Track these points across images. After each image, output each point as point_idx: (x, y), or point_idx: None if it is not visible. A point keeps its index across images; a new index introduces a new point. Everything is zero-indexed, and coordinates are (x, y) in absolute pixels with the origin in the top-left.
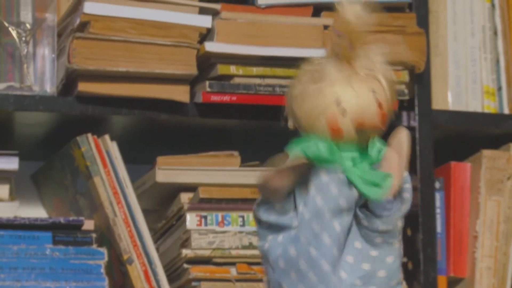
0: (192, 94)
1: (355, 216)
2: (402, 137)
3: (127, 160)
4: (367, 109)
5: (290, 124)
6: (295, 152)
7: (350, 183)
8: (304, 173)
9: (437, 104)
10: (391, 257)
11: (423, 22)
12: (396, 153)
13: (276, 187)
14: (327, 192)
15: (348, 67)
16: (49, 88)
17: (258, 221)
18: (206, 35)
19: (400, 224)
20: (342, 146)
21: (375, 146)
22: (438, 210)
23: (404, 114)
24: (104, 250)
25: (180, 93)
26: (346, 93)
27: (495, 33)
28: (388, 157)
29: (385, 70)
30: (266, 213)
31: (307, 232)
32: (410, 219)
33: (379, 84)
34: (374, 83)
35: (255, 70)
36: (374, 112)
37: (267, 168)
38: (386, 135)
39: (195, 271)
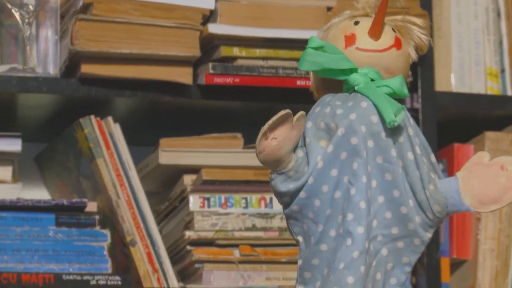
0: (195, 76)
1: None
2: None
3: (130, 142)
4: (380, 22)
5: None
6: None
7: (379, 120)
8: (301, 127)
9: (440, 86)
10: (419, 240)
11: (427, 4)
12: (508, 184)
13: (272, 151)
14: (359, 132)
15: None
16: (52, 70)
17: (279, 194)
18: (209, 17)
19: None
20: (357, 64)
21: (398, 78)
22: None
23: (408, 96)
24: (107, 232)
25: (183, 75)
26: (362, 18)
27: (499, 15)
28: (498, 181)
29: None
30: (284, 184)
31: (348, 171)
32: None
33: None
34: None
35: (258, 52)
36: (388, 30)
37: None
38: None
39: (198, 253)
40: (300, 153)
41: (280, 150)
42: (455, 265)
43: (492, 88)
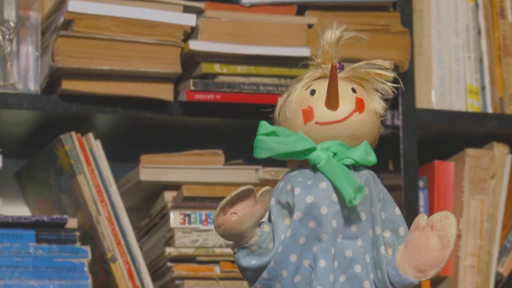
0: (176, 93)
1: (374, 255)
2: (450, 228)
3: (111, 158)
4: (334, 93)
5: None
6: (263, 152)
7: (340, 198)
8: (266, 202)
9: (421, 103)
10: None
11: (407, 21)
12: (440, 244)
13: (231, 226)
14: (318, 215)
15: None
16: (33, 86)
17: (242, 269)
18: (190, 33)
19: None
20: (319, 138)
21: (363, 145)
22: (421, 209)
23: (388, 113)
24: (87, 248)
25: (164, 92)
26: (318, 82)
27: (479, 32)
28: (430, 244)
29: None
30: (246, 259)
31: (309, 256)
32: None
33: (355, 83)
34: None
35: (239, 68)
36: (347, 93)
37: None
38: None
39: (179, 270)
40: (266, 228)
41: (240, 225)
42: (436, 281)
43: (472, 105)
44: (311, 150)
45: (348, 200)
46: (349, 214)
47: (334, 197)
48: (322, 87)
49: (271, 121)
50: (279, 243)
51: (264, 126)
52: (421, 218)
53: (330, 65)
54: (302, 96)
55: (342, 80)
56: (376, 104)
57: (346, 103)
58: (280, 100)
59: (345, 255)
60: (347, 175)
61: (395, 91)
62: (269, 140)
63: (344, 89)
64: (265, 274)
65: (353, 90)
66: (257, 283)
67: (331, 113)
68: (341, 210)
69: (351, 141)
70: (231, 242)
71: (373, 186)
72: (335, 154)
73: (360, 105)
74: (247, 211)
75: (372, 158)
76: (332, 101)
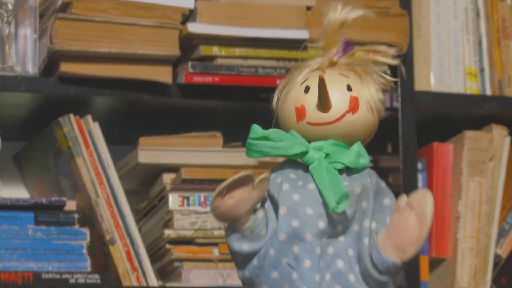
0: (175, 75)
1: (358, 247)
2: (426, 205)
3: (109, 141)
4: (326, 97)
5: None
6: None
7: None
8: (264, 189)
9: (420, 85)
10: None
11: (406, 3)
12: (418, 222)
13: (228, 210)
14: (302, 214)
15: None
16: (31, 68)
17: (232, 252)
18: (189, 16)
19: (398, 279)
20: (311, 136)
21: (355, 147)
22: None
23: (387, 96)
24: (86, 230)
25: (163, 74)
26: (314, 75)
27: (478, 14)
28: (408, 223)
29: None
30: (238, 243)
31: (289, 254)
32: None
33: (354, 74)
34: (348, 73)
35: (237, 51)
36: (341, 92)
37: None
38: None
39: (178, 252)
40: (260, 214)
41: (236, 209)
42: (434, 263)
43: (471, 87)
44: (304, 153)
45: (330, 209)
46: (336, 215)
47: (321, 199)
48: (317, 84)
49: (270, 105)
50: (272, 231)
51: (255, 131)
52: (401, 200)
53: (333, 50)
54: (297, 93)
55: (338, 75)
56: (372, 97)
57: (339, 103)
58: (278, 88)
59: (327, 253)
60: (335, 181)
61: (394, 86)
62: (261, 144)
63: (338, 87)
64: (254, 261)
65: (348, 88)
66: (245, 270)
67: (323, 114)
68: (326, 212)
69: (344, 139)
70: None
71: (369, 181)
72: (327, 155)
73: (354, 105)
74: (244, 197)
75: (364, 161)
76: (323, 105)
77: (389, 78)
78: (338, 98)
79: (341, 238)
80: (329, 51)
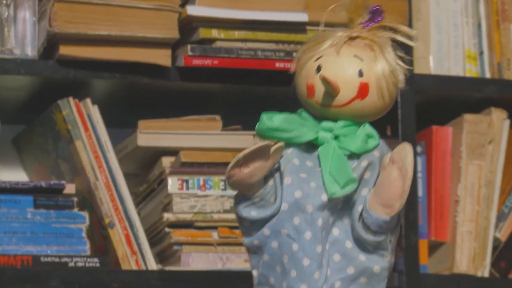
0: (174, 58)
1: (351, 214)
2: (406, 156)
3: (108, 124)
4: (342, 69)
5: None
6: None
7: None
8: (278, 157)
9: (419, 68)
10: (378, 267)
11: None
12: (400, 174)
13: (242, 178)
14: (306, 186)
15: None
16: (30, 51)
17: (240, 219)
18: None
19: (394, 239)
20: (322, 113)
21: (364, 131)
22: (419, 175)
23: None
24: (85, 214)
25: (162, 57)
26: (329, 54)
27: None
28: (391, 177)
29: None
30: (247, 209)
31: (288, 225)
32: None
33: (370, 55)
34: (365, 53)
35: (236, 34)
36: (351, 78)
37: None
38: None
39: (177, 235)
40: (270, 181)
41: (251, 178)
42: (433, 247)
43: (470, 70)
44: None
45: (328, 194)
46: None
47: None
48: (329, 63)
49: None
50: (280, 200)
51: (264, 122)
52: (386, 158)
53: (358, 21)
54: (309, 69)
55: (352, 58)
56: (386, 81)
57: (348, 88)
58: (300, 50)
59: (329, 223)
60: (342, 166)
61: (408, 73)
62: (270, 134)
63: (349, 72)
64: (266, 230)
65: (360, 73)
66: (254, 238)
67: (331, 97)
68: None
69: (354, 119)
70: (228, 208)
71: (377, 155)
72: (337, 137)
73: (363, 92)
74: (259, 166)
75: (374, 142)
76: (332, 91)
77: (403, 65)
78: (348, 83)
79: (339, 207)
80: (352, 22)
